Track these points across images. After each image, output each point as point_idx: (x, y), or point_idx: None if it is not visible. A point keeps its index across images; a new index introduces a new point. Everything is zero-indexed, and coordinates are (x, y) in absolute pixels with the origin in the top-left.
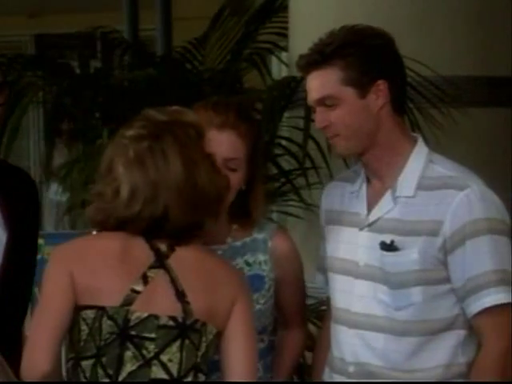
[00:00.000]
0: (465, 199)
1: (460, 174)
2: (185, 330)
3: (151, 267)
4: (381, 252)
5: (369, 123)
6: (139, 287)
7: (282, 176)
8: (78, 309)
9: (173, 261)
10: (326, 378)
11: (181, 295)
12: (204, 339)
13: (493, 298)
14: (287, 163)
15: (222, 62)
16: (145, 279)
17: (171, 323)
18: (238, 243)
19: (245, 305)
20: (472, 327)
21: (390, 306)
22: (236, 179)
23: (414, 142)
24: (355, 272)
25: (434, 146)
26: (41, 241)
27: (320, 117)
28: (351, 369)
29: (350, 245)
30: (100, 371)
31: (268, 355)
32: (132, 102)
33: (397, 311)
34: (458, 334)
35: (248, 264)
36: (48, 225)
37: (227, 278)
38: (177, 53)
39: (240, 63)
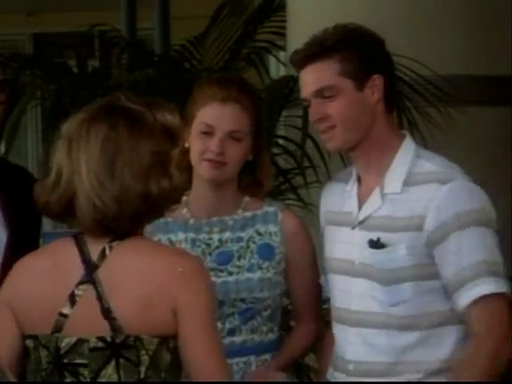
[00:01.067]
0: (448, 193)
1: (445, 168)
2: (117, 349)
3: (80, 283)
4: (370, 250)
5: (365, 117)
6: (66, 310)
7: (280, 175)
8: (23, 338)
9: (103, 271)
10: (329, 377)
11: (107, 312)
12: (143, 353)
13: (482, 288)
14: (285, 162)
15: (221, 61)
16: (72, 300)
17: (101, 344)
18: (249, 214)
19: (192, 303)
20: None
21: (384, 303)
22: (241, 149)
23: (402, 138)
24: (352, 271)
25: (432, 145)
26: (40, 240)
27: (316, 108)
28: (351, 366)
29: (345, 244)
30: None
31: (278, 349)
32: None
33: (391, 307)
34: (457, 329)
35: (259, 233)
36: (46, 224)
37: (164, 279)
38: (175, 51)
39: (238, 62)
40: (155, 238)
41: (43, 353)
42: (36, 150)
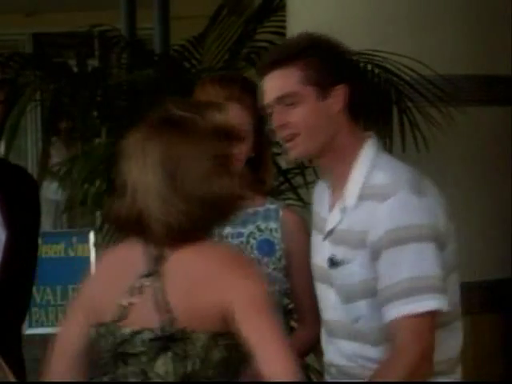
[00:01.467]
0: (386, 209)
1: (393, 181)
2: (167, 341)
3: (142, 276)
4: (328, 269)
5: (327, 126)
6: (127, 301)
7: (280, 175)
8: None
9: (165, 267)
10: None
11: (163, 305)
12: (192, 347)
13: (408, 307)
14: (284, 162)
15: (221, 61)
16: (134, 291)
17: (153, 336)
18: (250, 210)
19: (246, 303)
20: (445, 325)
21: (345, 318)
22: (244, 148)
23: (364, 144)
24: (325, 280)
25: (433, 144)
26: (38, 240)
27: (278, 116)
28: (333, 370)
29: (319, 252)
30: None
31: None
32: (130, 100)
33: (352, 323)
34: None
35: (259, 229)
36: (45, 223)
37: (214, 281)
38: (175, 51)
39: (238, 62)
40: None
41: (103, 341)
42: (36, 150)
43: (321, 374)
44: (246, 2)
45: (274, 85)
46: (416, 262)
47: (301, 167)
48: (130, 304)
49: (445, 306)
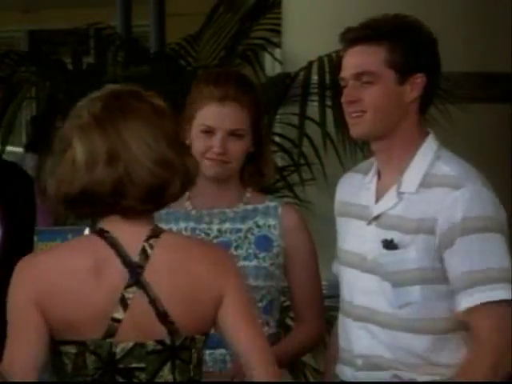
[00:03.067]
0: (459, 197)
1: (460, 173)
2: (175, 351)
3: (127, 286)
4: (382, 250)
5: (397, 111)
6: (119, 314)
7: (276, 172)
8: (55, 343)
9: (149, 272)
10: (338, 372)
11: (163, 316)
12: (194, 351)
13: (485, 294)
14: (281, 160)
15: (216, 59)
16: (123, 303)
17: (159, 347)
18: (250, 207)
19: (234, 294)
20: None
21: (392, 304)
22: (243, 145)
23: (426, 137)
24: (362, 266)
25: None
26: (34, 237)
27: (352, 91)
28: (359, 361)
29: (357, 238)
30: None
31: (274, 344)
32: None
33: (399, 309)
34: (461, 336)
35: (258, 226)
36: None
37: (210, 275)
38: (171, 50)
39: (234, 60)
40: None
41: (91, 359)
42: None
43: (318, 372)
44: None
45: (356, 60)
46: (491, 252)
47: (296, 165)
48: (123, 318)
49: None
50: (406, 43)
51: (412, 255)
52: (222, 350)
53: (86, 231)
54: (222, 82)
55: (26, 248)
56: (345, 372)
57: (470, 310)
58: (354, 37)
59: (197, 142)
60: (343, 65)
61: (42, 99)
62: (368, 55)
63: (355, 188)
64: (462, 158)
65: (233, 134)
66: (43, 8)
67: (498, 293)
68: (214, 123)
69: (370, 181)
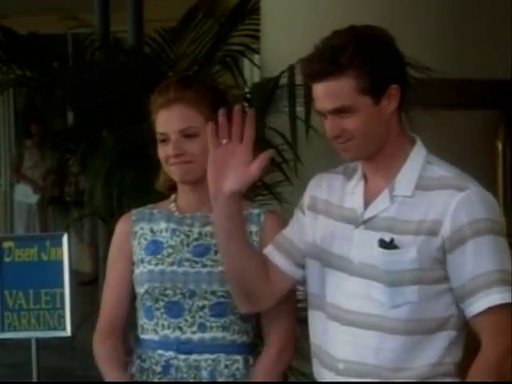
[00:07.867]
0: (466, 199)
1: (458, 175)
2: None
3: None
4: (379, 250)
5: (382, 128)
6: None
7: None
8: None
9: None
10: (315, 370)
11: None
12: None
13: (495, 297)
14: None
15: (196, 65)
16: None
17: None
18: None
19: None
20: (462, 328)
21: (384, 305)
22: (200, 144)
23: (413, 142)
24: (349, 269)
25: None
26: (11, 244)
27: (333, 125)
28: (341, 366)
29: (344, 241)
30: None
31: (251, 353)
32: (104, 97)
33: (392, 309)
34: (449, 335)
35: None
36: (18, 228)
37: None
38: (148, 53)
39: (213, 66)
40: (138, 227)
41: None
42: (9, 154)
43: (305, 375)
44: (219, 5)
45: (327, 95)
46: (499, 255)
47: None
48: None
49: None
50: (370, 64)
51: (412, 255)
52: (196, 356)
53: (65, 238)
54: (164, 88)
55: None
56: (323, 375)
57: (478, 314)
58: (315, 73)
59: (160, 153)
60: (314, 96)
61: (19, 105)
62: (338, 91)
63: (336, 191)
64: None
65: (184, 134)
66: (20, 13)
67: (506, 295)
68: (164, 128)
69: (356, 185)
